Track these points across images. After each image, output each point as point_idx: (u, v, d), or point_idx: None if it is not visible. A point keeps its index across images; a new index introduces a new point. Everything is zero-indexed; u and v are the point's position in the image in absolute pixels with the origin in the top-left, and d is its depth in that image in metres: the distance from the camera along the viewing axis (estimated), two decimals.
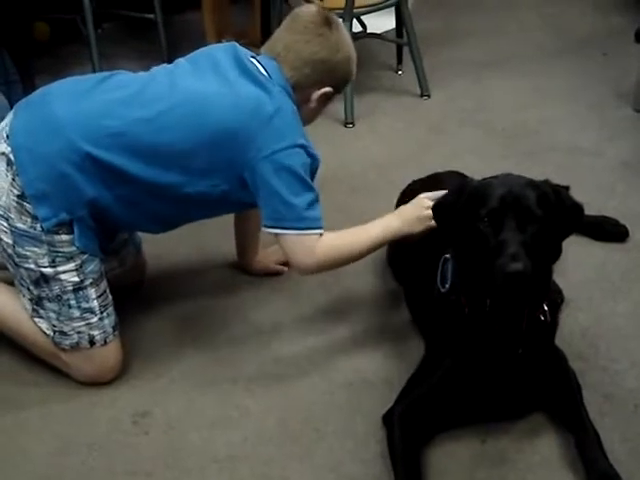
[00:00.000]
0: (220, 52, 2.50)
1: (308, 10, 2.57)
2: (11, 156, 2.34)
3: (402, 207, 2.58)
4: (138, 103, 2.37)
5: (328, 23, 2.52)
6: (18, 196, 2.33)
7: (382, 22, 4.61)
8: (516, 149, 3.74)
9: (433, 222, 2.40)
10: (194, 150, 2.37)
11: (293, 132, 2.41)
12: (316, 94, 2.54)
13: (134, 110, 2.36)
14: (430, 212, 2.39)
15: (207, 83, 2.41)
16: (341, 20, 2.60)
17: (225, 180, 2.42)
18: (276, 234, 2.44)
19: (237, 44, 2.57)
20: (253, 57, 2.51)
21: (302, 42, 2.49)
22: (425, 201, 2.48)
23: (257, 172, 2.37)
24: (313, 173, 2.49)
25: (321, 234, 2.43)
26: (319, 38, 2.49)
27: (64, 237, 2.36)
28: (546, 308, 2.22)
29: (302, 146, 2.41)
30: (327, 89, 2.54)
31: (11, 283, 2.55)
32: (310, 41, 2.48)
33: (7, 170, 2.34)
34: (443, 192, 2.37)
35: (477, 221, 2.11)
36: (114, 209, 2.40)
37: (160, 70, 2.52)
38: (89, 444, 2.35)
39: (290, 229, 2.40)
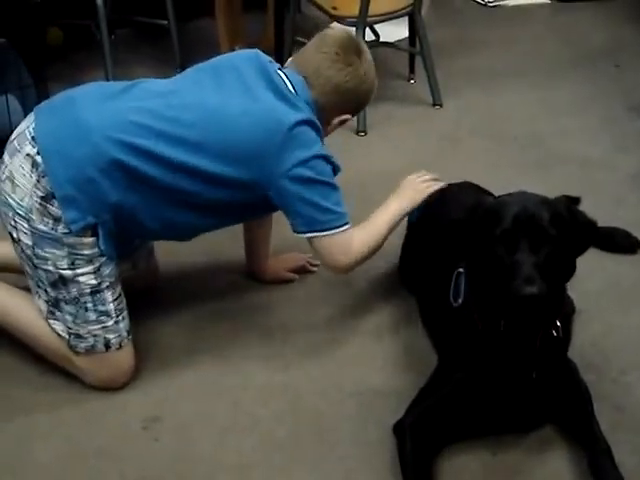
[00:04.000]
0: (244, 65, 2.52)
1: (338, 34, 2.61)
2: (37, 158, 2.34)
3: (395, 191, 2.74)
4: (165, 117, 2.39)
5: (358, 52, 2.58)
6: (42, 197, 2.33)
7: (395, 31, 4.62)
8: (528, 160, 3.74)
9: (429, 189, 2.72)
10: (219, 165, 2.40)
11: (314, 145, 2.46)
12: (337, 119, 2.62)
13: (160, 124, 2.37)
14: (422, 183, 2.74)
15: (234, 100, 2.43)
16: (363, 44, 2.66)
17: (249, 190, 2.45)
18: (312, 237, 2.51)
19: (260, 52, 2.61)
20: (280, 69, 2.55)
21: (333, 70, 2.54)
22: (411, 177, 2.78)
23: (282, 188, 2.43)
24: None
25: (350, 227, 2.53)
26: (349, 68, 2.55)
27: (86, 240, 2.37)
28: (559, 323, 2.22)
29: (323, 156, 2.47)
30: (347, 116, 2.64)
31: (23, 288, 2.56)
32: (341, 70, 2.54)
33: (32, 171, 2.34)
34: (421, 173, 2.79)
35: (491, 241, 2.11)
36: (137, 214, 2.41)
37: (185, 81, 2.54)
38: (99, 449, 2.35)
39: (326, 230, 2.49)
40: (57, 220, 2.34)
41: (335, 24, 4.10)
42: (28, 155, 2.36)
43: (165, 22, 4.42)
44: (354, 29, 3.91)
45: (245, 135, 2.40)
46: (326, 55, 2.55)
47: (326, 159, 2.49)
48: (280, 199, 2.46)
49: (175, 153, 2.37)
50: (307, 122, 2.46)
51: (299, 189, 2.43)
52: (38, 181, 2.33)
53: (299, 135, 2.42)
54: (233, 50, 4.27)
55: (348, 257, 2.56)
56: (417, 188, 2.73)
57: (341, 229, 2.50)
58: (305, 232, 2.50)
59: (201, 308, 2.87)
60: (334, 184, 2.51)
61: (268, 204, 2.50)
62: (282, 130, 2.40)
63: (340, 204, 2.51)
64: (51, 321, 2.47)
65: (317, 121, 2.50)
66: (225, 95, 2.45)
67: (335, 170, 2.54)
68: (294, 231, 2.53)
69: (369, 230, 2.61)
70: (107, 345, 2.47)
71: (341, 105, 2.60)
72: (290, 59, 2.68)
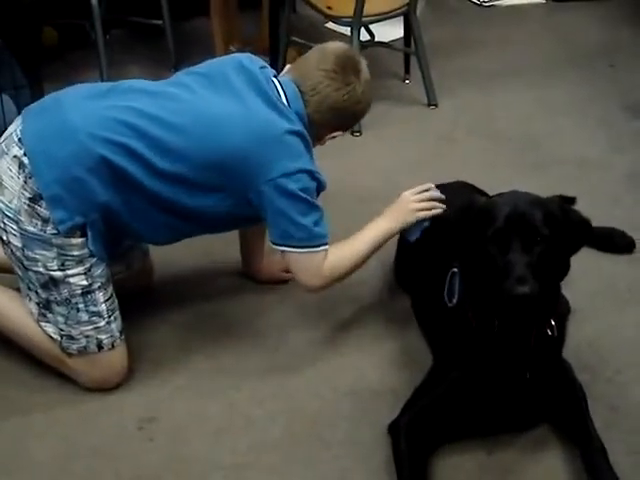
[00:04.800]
0: (233, 72, 2.50)
1: (338, 51, 2.58)
2: (24, 159, 2.34)
3: (388, 207, 2.61)
4: (152, 117, 2.38)
5: (356, 71, 2.55)
6: (30, 199, 2.33)
7: (390, 31, 4.61)
8: (523, 160, 3.74)
9: (422, 213, 2.52)
10: (204, 170, 2.40)
11: (301, 157, 2.45)
12: (329, 136, 2.62)
13: (145, 123, 2.36)
14: (416, 204, 2.55)
15: (226, 107, 2.42)
16: (362, 62, 2.60)
17: (231, 197, 2.45)
18: (284, 252, 2.48)
19: (251, 58, 2.59)
20: (275, 77, 2.54)
21: (330, 88, 2.52)
22: (407, 195, 2.59)
23: (263, 194, 2.41)
24: (318, 193, 2.53)
25: (327, 250, 2.48)
26: (347, 87, 2.53)
27: (75, 240, 2.36)
28: (553, 323, 2.22)
29: (308, 171, 2.45)
30: (339, 133, 2.63)
31: (17, 289, 2.55)
32: (339, 90, 2.52)
33: (19, 173, 2.34)
34: (424, 187, 2.58)
35: (483, 241, 2.11)
36: (123, 215, 2.40)
37: (177, 85, 2.51)
38: (94, 449, 2.35)
39: (298, 247, 2.46)
40: (46, 221, 2.34)
41: (332, 24, 4.11)
42: (15, 157, 2.35)
43: (160, 22, 4.42)
44: (349, 29, 3.92)
45: (235, 142, 2.38)
46: (324, 73, 2.51)
47: (312, 174, 2.46)
48: (260, 204, 2.44)
49: (158, 159, 2.36)
50: (297, 133, 2.45)
51: (279, 200, 2.41)
52: (25, 182, 2.33)
53: (288, 144, 2.42)
54: (228, 50, 4.28)
55: (315, 280, 2.52)
56: (408, 209, 2.56)
57: (313, 249, 2.46)
58: (278, 244, 2.48)
59: (196, 309, 2.87)
60: (315, 203, 2.47)
61: (255, 214, 2.49)
62: (272, 137, 2.40)
63: (319, 224, 2.46)
64: (43, 323, 2.47)
65: (307, 135, 2.49)
66: (217, 102, 2.44)
67: (320, 186, 2.52)
68: (269, 239, 2.53)
69: (346, 252, 2.53)
70: (99, 346, 2.47)
71: (335, 122, 2.58)
72: (288, 67, 2.65)
